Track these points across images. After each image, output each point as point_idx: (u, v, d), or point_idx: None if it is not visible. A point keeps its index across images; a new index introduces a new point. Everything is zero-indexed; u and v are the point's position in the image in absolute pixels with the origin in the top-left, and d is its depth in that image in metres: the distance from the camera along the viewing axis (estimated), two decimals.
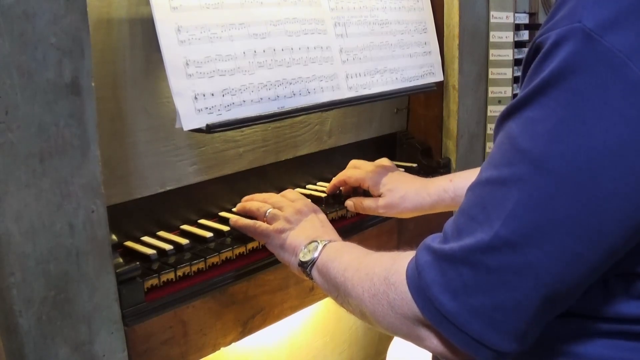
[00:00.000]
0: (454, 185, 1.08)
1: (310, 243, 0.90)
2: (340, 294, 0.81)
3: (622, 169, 0.53)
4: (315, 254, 0.88)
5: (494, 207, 0.59)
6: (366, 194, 1.17)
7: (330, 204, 1.21)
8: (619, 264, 0.59)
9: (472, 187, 0.64)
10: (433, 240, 0.67)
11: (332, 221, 1.18)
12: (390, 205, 1.10)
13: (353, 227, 1.20)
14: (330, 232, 0.96)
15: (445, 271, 0.62)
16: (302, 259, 0.89)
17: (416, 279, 0.65)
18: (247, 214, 1.04)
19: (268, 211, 1.00)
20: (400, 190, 1.11)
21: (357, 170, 1.18)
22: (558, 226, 0.56)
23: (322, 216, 1.00)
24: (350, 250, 0.86)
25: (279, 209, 1.00)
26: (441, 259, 0.63)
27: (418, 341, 0.69)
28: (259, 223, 0.98)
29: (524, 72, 0.62)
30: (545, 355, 0.67)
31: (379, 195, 1.12)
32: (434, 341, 0.67)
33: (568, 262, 0.57)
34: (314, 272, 0.88)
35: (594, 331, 0.64)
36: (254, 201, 1.05)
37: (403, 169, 1.24)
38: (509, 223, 0.57)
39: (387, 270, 0.72)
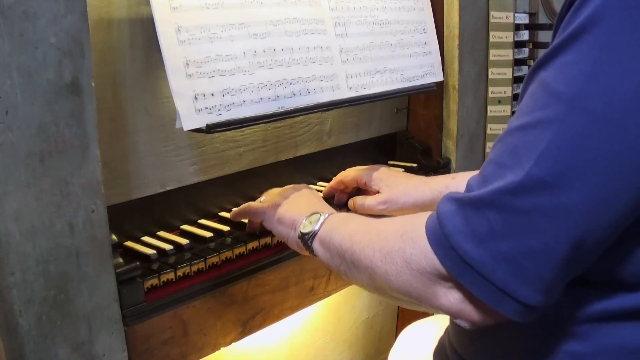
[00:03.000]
0: (457, 183, 1.05)
1: (311, 215, 0.87)
2: (346, 260, 0.77)
3: None
4: (317, 226, 0.85)
5: (526, 150, 0.58)
6: (360, 194, 1.14)
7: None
8: None
9: (501, 138, 0.63)
10: (456, 193, 0.65)
11: None
12: (390, 201, 1.07)
13: None
14: (329, 207, 0.94)
15: (469, 218, 0.60)
16: (303, 231, 0.86)
17: (437, 229, 0.63)
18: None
19: (262, 197, 1.01)
20: (399, 185, 1.08)
21: (351, 169, 1.17)
22: (592, 164, 0.55)
23: (317, 194, 0.99)
24: (356, 218, 0.83)
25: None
26: (465, 205, 0.61)
27: (433, 299, 0.65)
28: (252, 203, 0.99)
29: (556, 29, 0.62)
30: (565, 325, 0.66)
31: (377, 192, 1.09)
32: (451, 298, 0.63)
33: (600, 203, 0.56)
34: (315, 244, 0.85)
35: (613, 307, 0.64)
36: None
37: (403, 169, 1.23)
38: (541, 162, 0.56)
39: (403, 227, 0.69)
